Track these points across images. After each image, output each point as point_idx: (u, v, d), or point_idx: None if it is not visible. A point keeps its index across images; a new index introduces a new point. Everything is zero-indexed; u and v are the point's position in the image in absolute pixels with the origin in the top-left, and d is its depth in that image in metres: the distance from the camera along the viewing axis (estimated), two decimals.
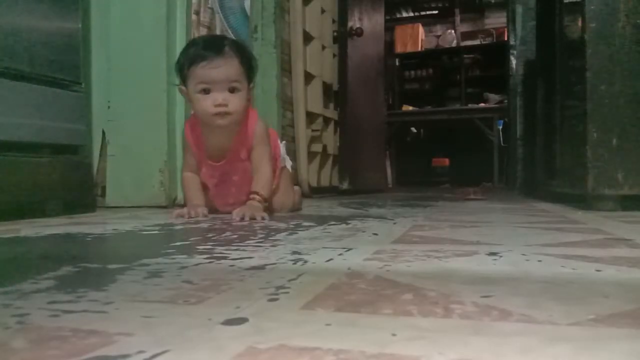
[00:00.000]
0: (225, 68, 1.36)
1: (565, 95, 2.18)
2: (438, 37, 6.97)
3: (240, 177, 1.49)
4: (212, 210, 1.52)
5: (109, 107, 1.94)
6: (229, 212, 1.44)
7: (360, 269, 0.60)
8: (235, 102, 1.37)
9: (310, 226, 1.14)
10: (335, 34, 3.30)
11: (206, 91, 1.36)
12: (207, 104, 1.36)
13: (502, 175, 5.17)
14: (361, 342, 0.34)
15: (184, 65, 1.39)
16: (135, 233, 1.05)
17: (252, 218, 1.29)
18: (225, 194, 1.52)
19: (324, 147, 3.18)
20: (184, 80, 1.41)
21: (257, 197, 1.42)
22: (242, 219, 1.29)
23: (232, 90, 1.37)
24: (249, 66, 1.42)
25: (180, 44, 1.86)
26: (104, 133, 1.98)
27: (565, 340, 0.34)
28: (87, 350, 0.33)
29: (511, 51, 3.81)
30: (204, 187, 1.52)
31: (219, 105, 1.35)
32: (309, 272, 0.59)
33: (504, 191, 3.74)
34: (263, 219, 1.30)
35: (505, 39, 4.85)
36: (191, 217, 1.37)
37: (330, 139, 3.31)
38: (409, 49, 6.81)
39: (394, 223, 1.22)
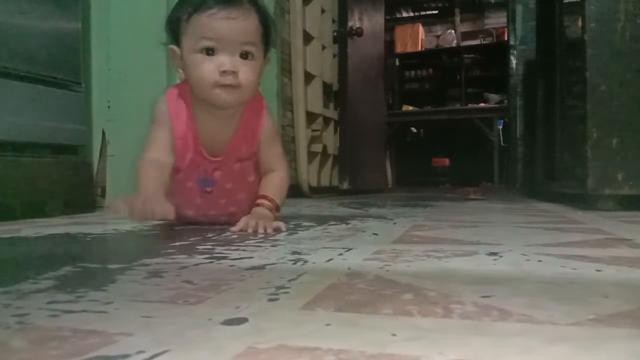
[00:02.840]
0: (242, 22, 1.00)
1: (565, 95, 2.18)
2: (438, 37, 6.98)
3: (235, 185, 1.13)
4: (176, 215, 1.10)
5: (109, 107, 1.94)
6: (202, 220, 1.17)
7: (360, 269, 0.60)
8: (247, 73, 1.01)
9: (310, 226, 1.14)
10: (335, 34, 3.30)
11: (210, 52, 0.99)
12: (210, 68, 0.99)
13: (502, 175, 5.17)
14: (361, 342, 0.34)
15: (182, 15, 1.02)
16: (135, 233, 1.05)
17: (255, 230, 1.01)
18: (209, 204, 1.15)
19: (324, 147, 3.18)
20: (177, 38, 1.04)
21: (266, 202, 1.10)
22: (242, 230, 1.01)
23: (245, 55, 1.01)
24: (268, 30, 1.06)
25: None
26: (104, 133, 1.98)
27: (565, 340, 0.34)
28: (87, 350, 0.33)
29: (511, 51, 3.81)
30: (184, 194, 1.12)
31: (226, 72, 0.99)
32: (309, 272, 0.59)
33: (504, 191, 3.74)
34: (266, 230, 1.00)
35: (505, 39, 4.85)
36: (143, 216, 0.94)
37: (330, 139, 3.31)
38: (409, 49, 6.81)
39: (394, 223, 1.22)
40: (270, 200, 1.11)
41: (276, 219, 1.11)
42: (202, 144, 1.09)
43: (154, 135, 1.10)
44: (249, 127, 1.11)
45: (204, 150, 1.09)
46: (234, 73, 0.99)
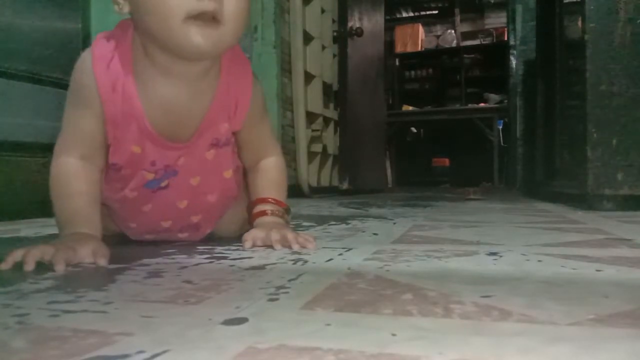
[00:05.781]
0: None
1: (565, 95, 2.18)
2: (438, 37, 6.98)
3: (205, 180, 0.79)
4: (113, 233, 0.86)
5: None
6: (147, 239, 0.86)
7: (360, 269, 0.60)
8: (235, 2, 0.66)
9: (310, 226, 1.14)
10: (335, 34, 3.30)
11: None
12: None
13: (502, 175, 5.17)
14: (361, 342, 0.34)
15: None
16: None
17: (268, 244, 0.76)
18: (162, 210, 0.81)
19: (324, 147, 3.18)
20: None
21: (269, 207, 0.82)
22: (255, 246, 0.77)
23: None
24: None
25: None
26: None
27: (565, 340, 0.34)
28: (87, 350, 0.33)
29: (511, 51, 3.82)
30: (120, 206, 0.81)
31: None
32: (309, 272, 0.59)
33: (504, 191, 3.74)
34: (289, 243, 0.75)
35: (505, 39, 4.86)
36: (60, 266, 0.59)
37: (330, 139, 3.31)
38: (409, 49, 6.81)
39: (394, 223, 1.22)
40: (276, 203, 0.82)
41: (288, 224, 0.85)
42: (157, 126, 0.72)
43: (74, 122, 0.74)
44: (232, 94, 0.76)
45: (160, 136, 0.73)
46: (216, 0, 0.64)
